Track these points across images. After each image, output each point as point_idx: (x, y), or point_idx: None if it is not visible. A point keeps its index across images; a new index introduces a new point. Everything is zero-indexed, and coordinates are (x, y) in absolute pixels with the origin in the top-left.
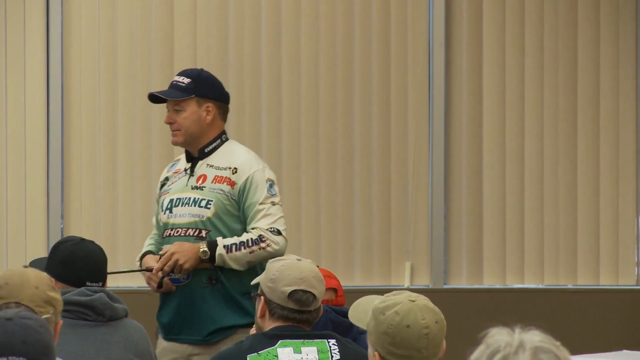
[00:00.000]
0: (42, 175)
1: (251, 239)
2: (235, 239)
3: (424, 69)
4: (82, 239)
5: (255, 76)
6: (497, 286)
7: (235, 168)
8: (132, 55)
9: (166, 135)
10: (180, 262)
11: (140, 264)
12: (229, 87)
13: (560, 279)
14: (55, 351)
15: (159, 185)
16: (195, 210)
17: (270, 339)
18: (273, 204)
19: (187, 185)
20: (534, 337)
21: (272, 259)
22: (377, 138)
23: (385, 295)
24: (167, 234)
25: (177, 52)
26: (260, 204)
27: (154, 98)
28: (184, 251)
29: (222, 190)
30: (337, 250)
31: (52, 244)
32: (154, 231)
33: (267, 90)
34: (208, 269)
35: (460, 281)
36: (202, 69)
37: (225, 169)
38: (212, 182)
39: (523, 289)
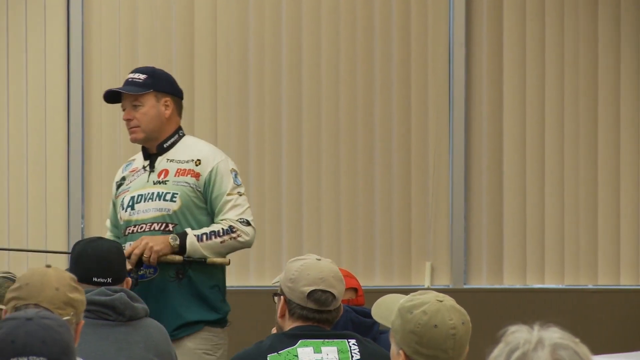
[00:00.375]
0: (62, 175)
1: (222, 229)
2: (205, 229)
3: (444, 69)
4: (99, 238)
5: (276, 74)
6: (518, 286)
7: (198, 160)
8: (152, 52)
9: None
10: (151, 244)
11: None
12: (249, 84)
13: (580, 278)
14: (75, 351)
15: (114, 186)
16: (161, 204)
17: (290, 338)
18: (240, 194)
19: (148, 181)
20: (553, 334)
21: (292, 259)
22: (398, 138)
23: (411, 294)
24: (130, 231)
25: (197, 48)
26: (228, 194)
27: (109, 97)
28: (155, 238)
29: (186, 182)
30: (357, 250)
31: (72, 244)
32: (108, 234)
33: (287, 89)
34: (176, 263)
35: (481, 281)
36: (155, 67)
37: (187, 161)
38: (175, 175)
39: (543, 289)
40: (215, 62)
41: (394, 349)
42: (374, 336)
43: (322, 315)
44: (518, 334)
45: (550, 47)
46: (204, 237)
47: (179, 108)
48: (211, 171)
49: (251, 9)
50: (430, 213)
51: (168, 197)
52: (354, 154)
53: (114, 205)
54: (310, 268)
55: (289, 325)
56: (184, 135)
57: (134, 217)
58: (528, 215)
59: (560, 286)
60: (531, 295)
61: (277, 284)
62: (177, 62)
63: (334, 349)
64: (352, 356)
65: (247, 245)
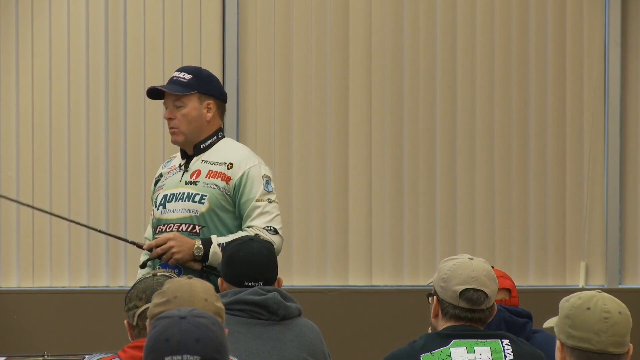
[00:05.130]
0: None
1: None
2: (230, 237)
3: (600, 69)
4: (251, 239)
5: (430, 76)
6: None
7: (230, 163)
8: (307, 54)
9: (339, 135)
10: (174, 249)
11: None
12: (404, 82)
13: None
14: (228, 350)
15: (153, 182)
16: (189, 205)
17: (443, 338)
18: (269, 201)
19: (181, 180)
20: None
21: (445, 259)
22: (552, 136)
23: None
24: (160, 230)
25: (352, 51)
26: (257, 200)
27: (153, 94)
28: (181, 243)
29: (216, 185)
30: (511, 250)
31: None
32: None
33: (442, 91)
34: (195, 270)
35: (636, 281)
36: (201, 67)
37: (220, 164)
38: (205, 177)
39: None
40: (369, 68)
41: (557, 343)
42: (527, 336)
43: (474, 315)
44: None
45: None
46: None
47: (221, 111)
48: (242, 175)
49: (406, 8)
50: (585, 212)
51: (197, 198)
52: (508, 153)
53: (152, 201)
54: (463, 267)
55: (442, 325)
56: (223, 137)
57: (164, 216)
58: None
59: None
60: None
61: (432, 285)
62: (331, 62)
63: (487, 349)
64: (505, 356)
65: None
